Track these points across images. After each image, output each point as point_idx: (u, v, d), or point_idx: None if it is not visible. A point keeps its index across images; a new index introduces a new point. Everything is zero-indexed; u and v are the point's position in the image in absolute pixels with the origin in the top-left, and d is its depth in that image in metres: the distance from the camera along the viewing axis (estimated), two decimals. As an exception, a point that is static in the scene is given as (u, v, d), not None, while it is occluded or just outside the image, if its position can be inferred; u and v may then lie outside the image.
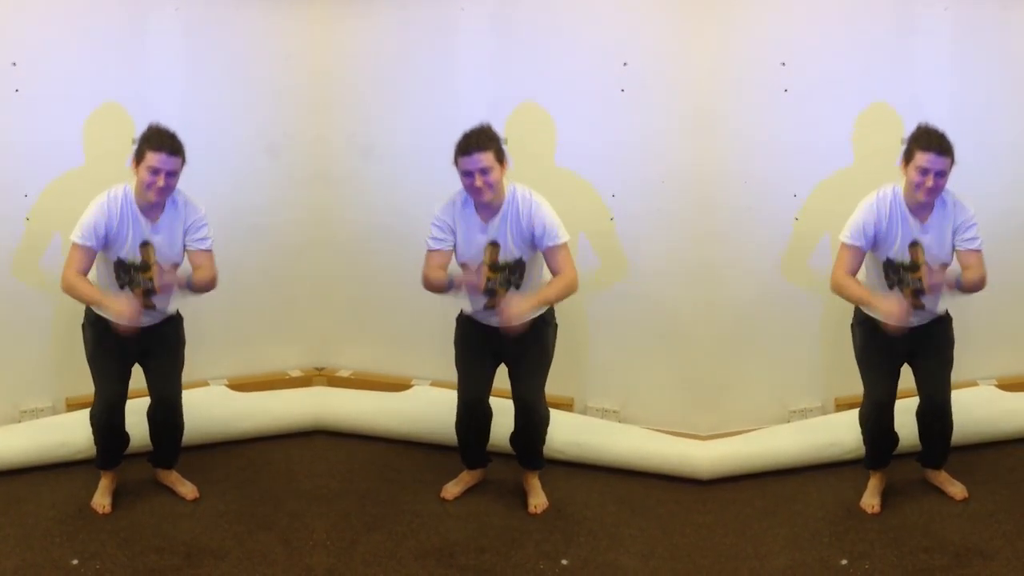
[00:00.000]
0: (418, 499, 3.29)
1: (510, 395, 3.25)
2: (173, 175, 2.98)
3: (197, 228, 3.09)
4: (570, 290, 3.06)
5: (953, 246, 3.01)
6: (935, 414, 3.15)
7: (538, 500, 3.24)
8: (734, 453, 3.47)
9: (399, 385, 3.84)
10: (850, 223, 3.02)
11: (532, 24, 3.62)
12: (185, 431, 3.29)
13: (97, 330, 3.09)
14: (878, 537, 3.04)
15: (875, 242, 3.02)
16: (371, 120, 3.83)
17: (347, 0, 3.80)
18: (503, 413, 3.31)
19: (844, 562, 2.91)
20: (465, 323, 3.19)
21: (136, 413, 3.25)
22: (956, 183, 3.01)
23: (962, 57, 3.55)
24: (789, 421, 3.67)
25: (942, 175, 2.91)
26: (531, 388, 3.18)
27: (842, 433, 3.46)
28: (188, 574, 2.86)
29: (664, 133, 3.49)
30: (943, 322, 3.12)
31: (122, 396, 3.14)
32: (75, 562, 2.88)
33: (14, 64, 3.45)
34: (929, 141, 2.90)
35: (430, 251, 3.07)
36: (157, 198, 2.99)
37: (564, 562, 2.94)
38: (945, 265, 3.01)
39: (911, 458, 3.34)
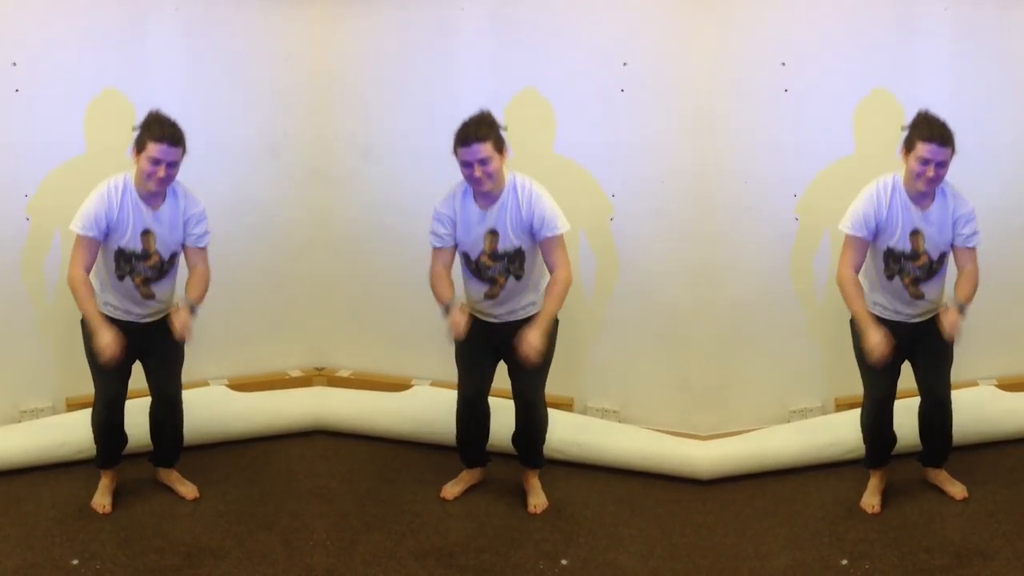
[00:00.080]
0: (418, 499, 3.29)
1: (510, 395, 3.25)
2: (174, 165, 2.98)
3: (197, 222, 3.09)
4: (567, 290, 3.06)
5: (952, 239, 3.01)
6: (935, 408, 3.15)
7: (538, 500, 3.24)
8: (734, 453, 3.47)
9: (399, 385, 3.84)
10: (851, 213, 3.02)
11: (532, 24, 3.62)
12: (185, 431, 3.29)
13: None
14: (878, 537, 3.04)
15: (876, 231, 3.01)
16: (371, 120, 3.83)
17: (347, 0, 3.80)
18: (503, 412, 3.31)
19: (844, 562, 2.91)
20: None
21: (136, 413, 3.25)
22: (956, 183, 3.01)
23: (962, 57, 3.55)
24: (789, 421, 3.67)
25: (943, 165, 2.91)
26: (531, 385, 3.18)
27: (842, 433, 3.46)
28: (188, 574, 2.86)
29: (664, 133, 3.49)
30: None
31: (122, 393, 3.15)
32: (75, 562, 2.88)
33: (14, 64, 3.45)
34: (931, 131, 2.89)
35: (434, 249, 3.09)
36: (157, 188, 2.99)
37: (564, 562, 2.94)
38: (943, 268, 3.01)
39: (911, 458, 3.34)
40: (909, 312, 3.07)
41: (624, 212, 3.59)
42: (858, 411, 3.26)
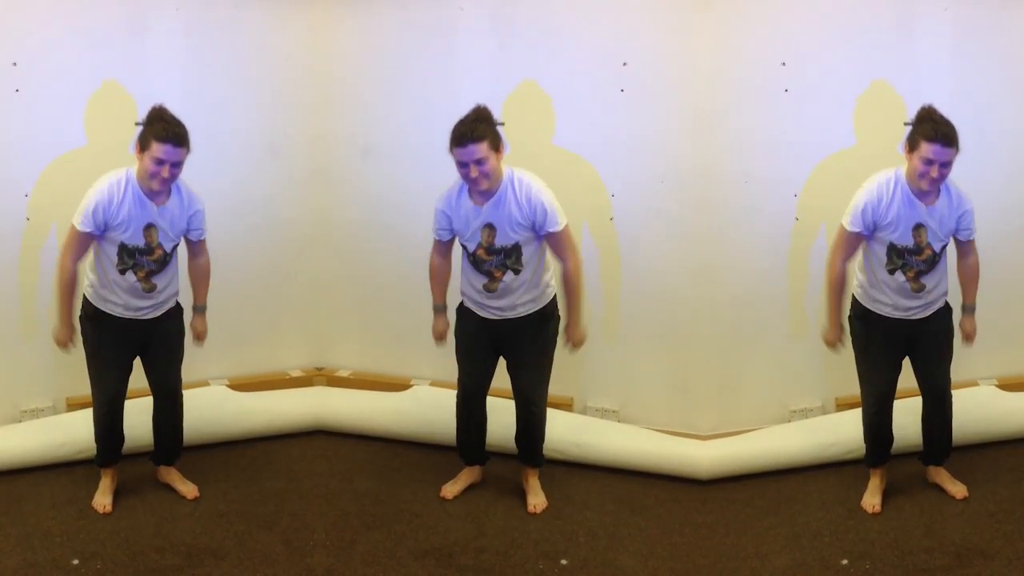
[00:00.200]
0: (417, 499, 3.29)
1: (511, 395, 3.25)
2: (178, 165, 2.96)
3: (199, 220, 3.12)
4: (581, 278, 3.12)
5: (955, 232, 3.03)
6: (936, 403, 3.16)
7: (537, 500, 3.24)
8: (734, 453, 3.47)
9: (398, 385, 3.84)
10: (851, 208, 3.01)
11: (532, 24, 3.61)
12: (186, 431, 3.30)
13: (98, 324, 3.10)
14: (879, 537, 3.04)
15: (875, 227, 3.01)
16: (371, 120, 3.83)
17: (347, 0, 3.80)
18: (503, 412, 3.31)
19: (845, 562, 2.91)
20: (465, 315, 3.19)
21: (136, 413, 3.25)
22: (957, 182, 3.00)
23: (962, 57, 3.54)
24: (790, 421, 3.66)
25: (947, 165, 2.89)
26: (530, 382, 3.18)
27: (843, 433, 3.46)
28: (189, 574, 2.86)
29: (664, 133, 3.48)
30: (942, 313, 3.12)
31: (122, 392, 3.15)
32: (76, 562, 2.89)
33: (15, 64, 3.45)
34: (935, 131, 2.86)
35: (435, 240, 3.15)
36: (161, 188, 2.99)
37: (563, 562, 2.94)
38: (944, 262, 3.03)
39: (912, 458, 3.34)
40: (911, 305, 3.07)
41: (624, 212, 3.59)
42: (858, 411, 3.26)
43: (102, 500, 3.18)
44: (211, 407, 3.64)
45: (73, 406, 3.61)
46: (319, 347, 4.00)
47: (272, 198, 3.88)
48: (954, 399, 3.19)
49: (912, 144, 2.92)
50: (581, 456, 3.50)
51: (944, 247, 3.03)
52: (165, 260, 3.08)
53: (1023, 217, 3.66)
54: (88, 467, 3.29)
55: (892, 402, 3.17)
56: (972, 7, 3.53)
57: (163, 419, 3.24)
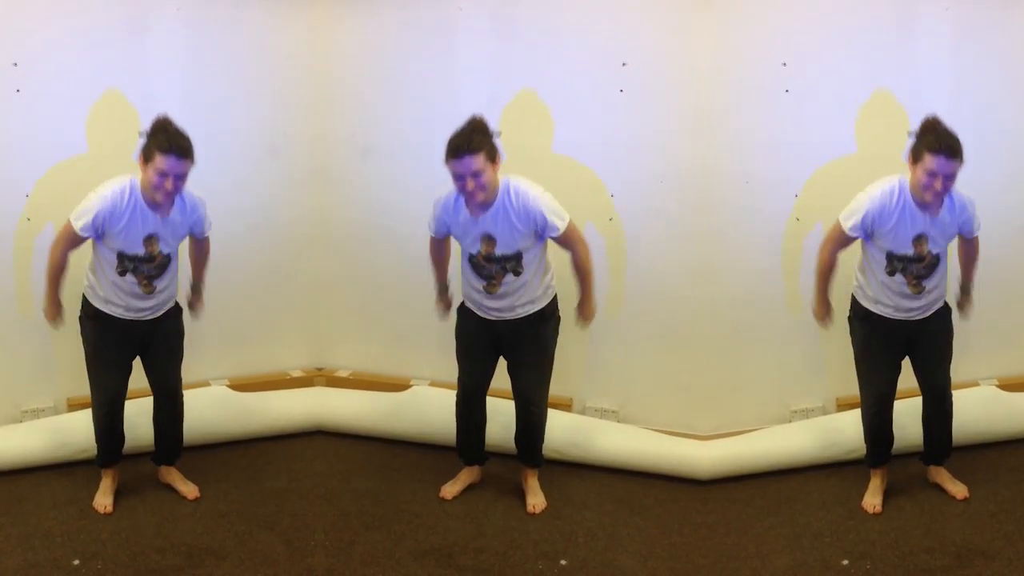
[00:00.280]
0: (417, 499, 3.29)
1: (510, 395, 3.25)
2: (182, 178, 2.95)
3: (201, 224, 3.14)
4: (591, 261, 3.13)
5: (958, 233, 3.03)
6: (936, 402, 3.15)
7: (537, 500, 3.24)
8: (734, 453, 3.47)
9: (398, 385, 3.84)
10: (852, 210, 2.99)
11: (531, 24, 3.61)
12: (186, 431, 3.30)
13: (98, 324, 3.10)
14: (879, 537, 3.03)
15: (874, 233, 3.00)
16: (371, 120, 3.82)
17: (347, 0, 3.80)
18: (502, 413, 3.31)
19: (845, 562, 2.91)
20: (466, 315, 3.19)
21: (136, 413, 3.26)
22: (958, 183, 2.99)
23: (963, 57, 3.53)
24: (791, 421, 3.66)
25: (951, 178, 2.87)
26: (530, 382, 3.18)
27: (843, 433, 3.45)
28: (189, 574, 2.87)
29: (664, 134, 3.48)
30: (941, 313, 3.12)
31: (123, 391, 3.16)
32: (76, 562, 2.89)
33: (15, 64, 3.45)
34: (939, 143, 2.84)
35: (432, 235, 3.18)
36: (165, 200, 2.98)
37: (563, 562, 2.94)
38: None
39: (912, 458, 3.34)
40: (911, 307, 3.06)
41: (624, 212, 3.58)
42: (859, 411, 3.26)
43: (103, 500, 3.18)
44: (212, 407, 3.65)
45: (74, 406, 3.61)
46: (319, 347, 4.00)
47: (272, 198, 3.87)
48: (955, 399, 3.19)
49: (916, 155, 2.90)
50: (580, 456, 3.50)
51: (945, 250, 3.03)
52: (165, 264, 3.08)
53: (1023, 217, 3.66)
54: (89, 467, 3.29)
55: (892, 402, 3.17)
56: (972, 7, 3.51)
57: (163, 419, 3.25)
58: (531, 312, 3.12)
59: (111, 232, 2.98)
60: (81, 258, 3.13)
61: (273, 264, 3.92)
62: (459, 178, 2.94)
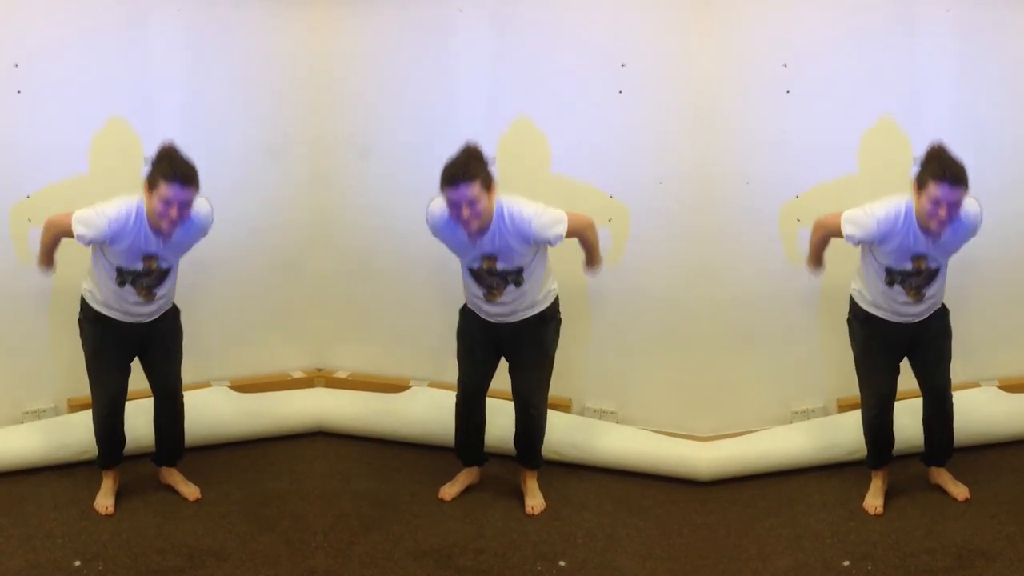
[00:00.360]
0: (416, 500, 3.29)
1: (509, 397, 3.25)
2: (186, 205, 2.94)
3: (206, 232, 3.13)
4: (595, 235, 3.13)
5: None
6: (936, 402, 3.15)
7: (535, 501, 3.24)
8: (735, 454, 3.46)
9: (397, 386, 3.84)
10: (856, 223, 2.95)
11: (530, 25, 3.60)
12: (188, 433, 3.31)
13: (98, 326, 3.11)
14: (880, 538, 3.03)
15: (873, 249, 2.99)
16: (371, 120, 3.82)
17: (347, 0, 3.80)
18: (501, 414, 3.31)
19: (846, 563, 2.91)
20: (468, 315, 3.20)
21: (137, 414, 3.27)
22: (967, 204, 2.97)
23: (964, 57, 3.51)
24: (791, 422, 3.65)
25: (956, 206, 2.85)
26: (529, 384, 3.18)
27: (844, 434, 3.45)
28: (190, 575, 2.87)
29: (663, 135, 3.47)
30: (939, 314, 3.11)
31: (123, 392, 3.17)
32: (77, 563, 2.90)
33: (16, 66, 3.45)
34: (943, 171, 2.82)
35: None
36: (169, 228, 2.97)
37: (562, 563, 2.95)
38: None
39: (913, 459, 3.33)
40: (911, 312, 3.06)
41: (624, 213, 3.57)
42: (859, 412, 3.25)
43: (104, 501, 3.19)
44: (213, 408, 3.65)
45: (75, 407, 3.62)
46: (319, 348, 4.01)
47: (271, 199, 3.87)
48: (956, 400, 3.18)
49: (921, 182, 2.88)
50: (579, 457, 3.49)
51: (945, 263, 3.02)
52: (164, 275, 3.09)
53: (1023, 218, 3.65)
54: (90, 468, 3.30)
55: (893, 403, 3.16)
56: (973, 8, 3.49)
57: (164, 420, 3.25)
58: (532, 315, 3.13)
59: (111, 250, 2.99)
60: (81, 258, 3.13)
61: (273, 265, 3.92)
62: (455, 206, 2.91)
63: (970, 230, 2.97)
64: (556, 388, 3.33)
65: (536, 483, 3.28)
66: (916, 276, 2.99)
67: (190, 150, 3.01)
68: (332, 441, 3.72)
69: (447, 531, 3.12)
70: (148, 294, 3.07)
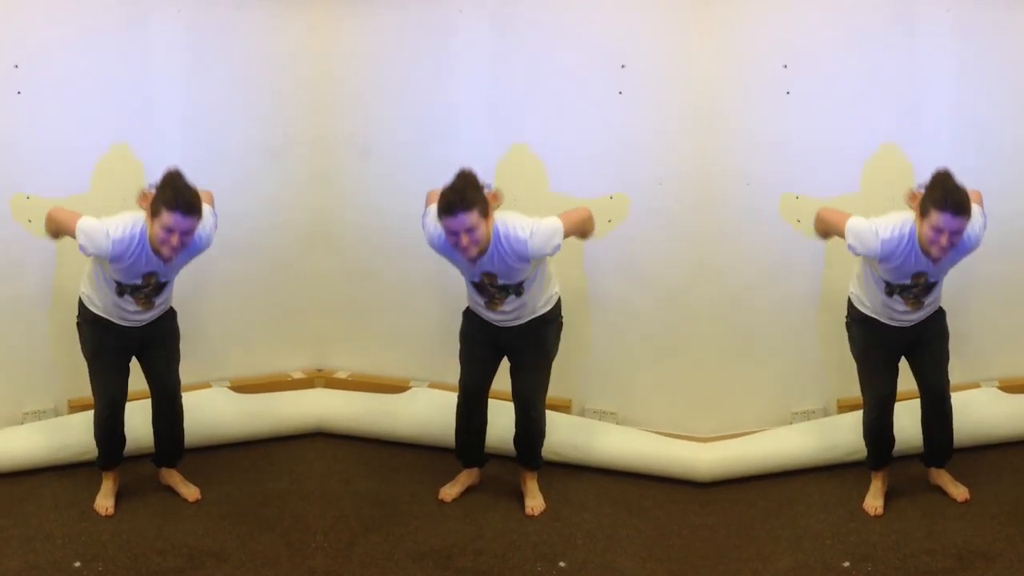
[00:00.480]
0: (416, 501, 3.29)
1: (509, 397, 3.25)
2: (188, 233, 2.94)
3: (208, 245, 3.11)
4: (592, 221, 3.15)
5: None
6: (935, 403, 3.15)
7: (535, 502, 3.24)
8: (735, 455, 3.46)
9: (397, 387, 3.84)
10: (860, 237, 2.94)
11: (530, 25, 3.59)
12: (187, 433, 3.30)
13: (96, 328, 3.12)
14: (880, 539, 3.03)
15: (873, 263, 3.00)
16: (371, 120, 3.82)
17: (347, 0, 3.79)
18: (501, 414, 3.31)
19: (846, 564, 2.91)
20: (470, 317, 3.20)
21: (137, 415, 3.27)
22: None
23: (964, 57, 3.51)
24: (791, 423, 3.65)
25: (957, 233, 2.85)
26: (529, 385, 3.18)
27: (844, 435, 3.44)
28: (190, 576, 2.88)
29: (663, 135, 3.47)
30: (937, 316, 3.12)
31: (123, 393, 3.17)
32: (77, 564, 2.90)
33: (16, 67, 3.45)
34: (946, 200, 2.81)
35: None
36: (170, 255, 2.96)
37: (562, 564, 2.95)
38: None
39: (913, 460, 3.33)
40: (909, 318, 3.08)
41: (623, 213, 3.57)
42: (860, 413, 3.25)
43: (104, 502, 3.19)
44: (213, 409, 3.65)
45: (75, 408, 3.62)
46: (319, 349, 4.01)
47: (271, 199, 3.87)
48: (956, 401, 3.18)
49: (923, 210, 2.88)
50: (579, 458, 3.49)
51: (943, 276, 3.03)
52: (163, 286, 3.11)
53: (1023, 218, 3.64)
54: (90, 469, 3.30)
55: (893, 404, 3.16)
56: (974, 8, 3.49)
57: (163, 420, 3.25)
58: (533, 317, 3.13)
59: (111, 267, 3.00)
60: (81, 259, 3.13)
61: (273, 265, 3.92)
62: (453, 234, 2.91)
63: (971, 249, 2.97)
64: (556, 389, 3.33)
65: (536, 484, 3.28)
66: (915, 288, 3.01)
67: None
68: (332, 442, 3.72)
69: (447, 532, 3.12)
70: (147, 303, 3.08)
